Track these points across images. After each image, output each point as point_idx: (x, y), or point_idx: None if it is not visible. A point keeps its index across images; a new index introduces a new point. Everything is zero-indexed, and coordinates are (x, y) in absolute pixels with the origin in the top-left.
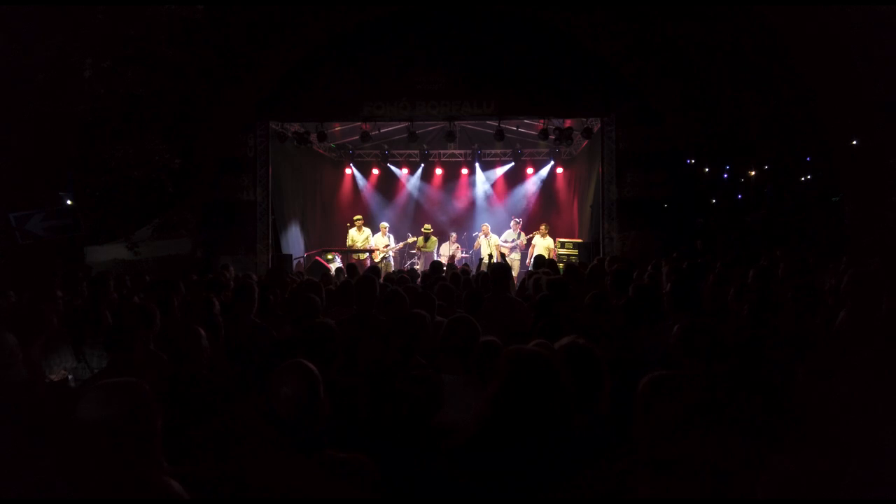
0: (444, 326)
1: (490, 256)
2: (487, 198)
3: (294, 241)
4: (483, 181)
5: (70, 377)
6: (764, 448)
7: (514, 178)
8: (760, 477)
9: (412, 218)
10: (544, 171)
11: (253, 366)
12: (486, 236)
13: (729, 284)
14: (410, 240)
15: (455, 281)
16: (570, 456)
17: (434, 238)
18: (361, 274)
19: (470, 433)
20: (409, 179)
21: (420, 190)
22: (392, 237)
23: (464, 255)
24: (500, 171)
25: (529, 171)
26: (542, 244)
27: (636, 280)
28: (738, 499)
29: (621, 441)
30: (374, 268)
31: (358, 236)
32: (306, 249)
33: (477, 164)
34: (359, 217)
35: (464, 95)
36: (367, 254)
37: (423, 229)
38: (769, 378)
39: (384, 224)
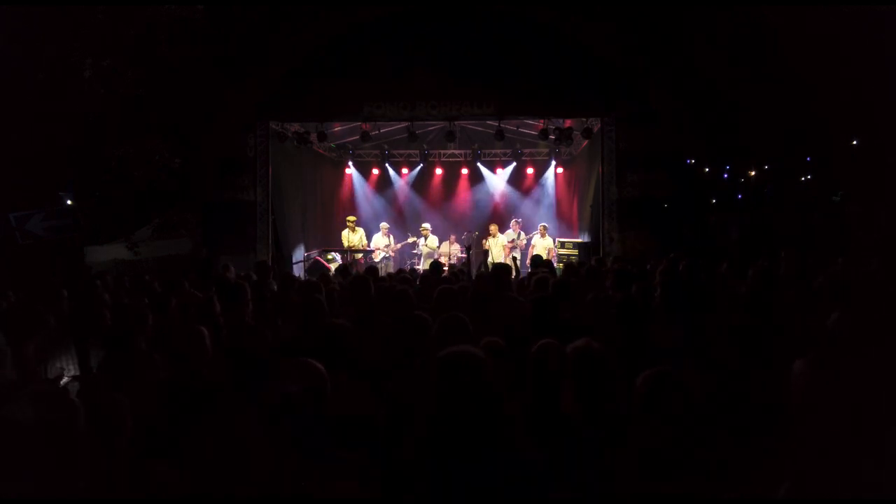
0: (436, 326)
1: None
2: (490, 199)
3: (294, 241)
4: (486, 182)
5: (66, 378)
6: (761, 448)
7: (515, 179)
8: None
9: (413, 218)
10: (545, 172)
11: (252, 366)
12: (493, 237)
13: (730, 284)
14: (411, 240)
15: (455, 281)
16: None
17: (433, 237)
18: (356, 275)
19: (421, 435)
20: (409, 179)
21: (420, 190)
22: (392, 238)
23: (462, 255)
24: (500, 171)
25: (530, 171)
26: (542, 244)
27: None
28: (737, 498)
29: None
30: (372, 267)
31: (352, 237)
32: (306, 249)
33: (479, 165)
34: (352, 218)
35: (464, 95)
36: (365, 254)
37: (421, 230)
38: (768, 378)
39: (384, 225)
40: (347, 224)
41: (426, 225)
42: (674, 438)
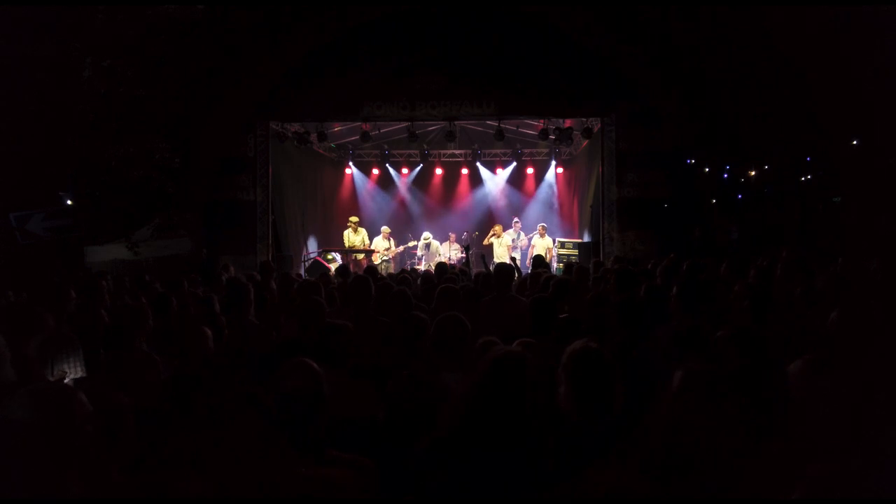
0: (434, 326)
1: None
2: (490, 199)
3: (294, 241)
4: (486, 182)
5: (68, 379)
6: (763, 449)
7: (515, 179)
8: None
9: (413, 219)
10: (545, 172)
11: (253, 366)
12: (498, 237)
13: (730, 284)
14: (411, 243)
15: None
16: (551, 453)
17: (435, 242)
18: (356, 275)
19: (445, 431)
20: (410, 179)
21: (420, 190)
22: (393, 241)
23: (462, 255)
24: (500, 171)
25: (530, 171)
26: (541, 244)
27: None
28: (743, 498)
29: (630, 440)
30: (372, 268)
31: (354, 238)
32: (306, 249)
33: (480, 165)
34: (354, 218)
35: (464, 95)
36: (366, 255)
37: (423, 238)
38: (768, 379)
39: (385, 228)
40: (350, 224)
41: (427, 234)
42: (704, 437)
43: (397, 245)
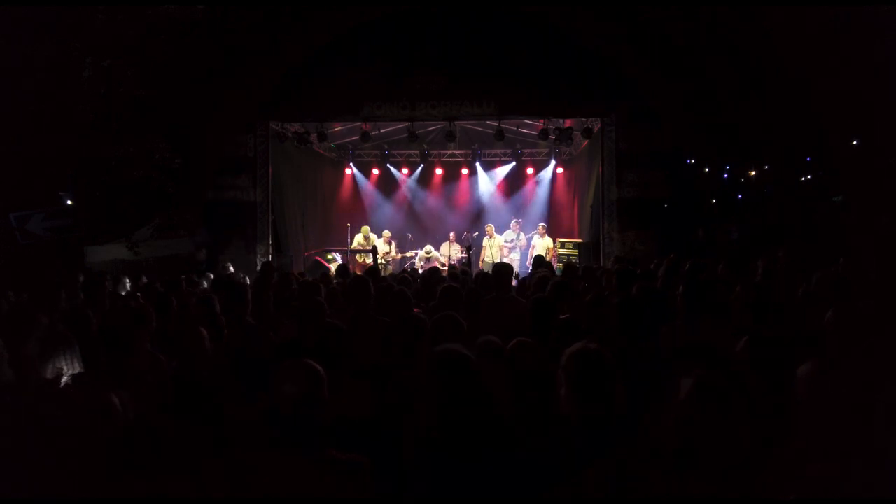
0: (430, 326)
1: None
2: (489, 198)
3: (294, 241)
4: (484, 181)
5: (65, 378)
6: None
7: (515, 179)
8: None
9: (413, 219)
10: (545, 172)
11: (252, 366)
12: (490, 237)
13: (734, 284)
14: (410, 253)
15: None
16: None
17: (435, 253)
18: (356, 275)
19: (418, 435)
20: (409, 180)
21: (420, 190)
22: (394, 245)
23: (463, 255)
24: (500, 171)
25: (529, 171)
26: (541, 244)
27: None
28: (744, 498)
29: (632, 440)
30: (373, 269)
31: (364, 243)
32: (306, 250)
33: (478, 164)
34: (366, 228)
35: (464, 95)
36: (368, 254)
37: (424, 251)
38: (779, 382)
39: (386, 232)
40: (362, 232)
41: (429, 247)
42: (713, 441)
43: (398, 251)
